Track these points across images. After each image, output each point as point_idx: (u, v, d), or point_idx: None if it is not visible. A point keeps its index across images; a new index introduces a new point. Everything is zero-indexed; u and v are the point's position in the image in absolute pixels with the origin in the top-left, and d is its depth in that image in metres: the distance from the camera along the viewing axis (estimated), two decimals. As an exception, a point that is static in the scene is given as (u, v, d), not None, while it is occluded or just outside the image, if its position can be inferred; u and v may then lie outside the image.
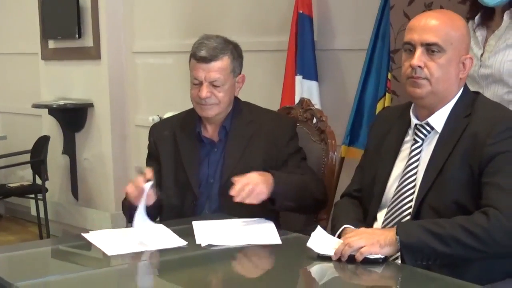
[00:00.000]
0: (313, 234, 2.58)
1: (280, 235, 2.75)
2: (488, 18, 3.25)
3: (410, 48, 2.60)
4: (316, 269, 2.52)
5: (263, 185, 2.89)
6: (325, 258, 2.46)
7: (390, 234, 2.41)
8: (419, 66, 2.55)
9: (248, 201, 2.84)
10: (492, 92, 3.19)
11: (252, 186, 2.84)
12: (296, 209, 3.14)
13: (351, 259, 2.41)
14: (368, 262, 2.40)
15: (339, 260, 2.42)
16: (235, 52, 3.19)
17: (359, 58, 4.52)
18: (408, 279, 2.41)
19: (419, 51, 2.56)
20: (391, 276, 2.47)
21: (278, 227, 2.91)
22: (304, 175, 3.13)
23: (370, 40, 4.37)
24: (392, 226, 2.57)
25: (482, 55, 3.23)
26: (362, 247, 2.40)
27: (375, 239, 2.41)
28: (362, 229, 2.58)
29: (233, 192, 2.82)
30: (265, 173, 2.95)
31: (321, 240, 2.56)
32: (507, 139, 2.46)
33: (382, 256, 2.41)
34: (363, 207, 2.82)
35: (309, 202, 3.12)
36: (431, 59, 2.55)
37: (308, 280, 2.55)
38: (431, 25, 2.56)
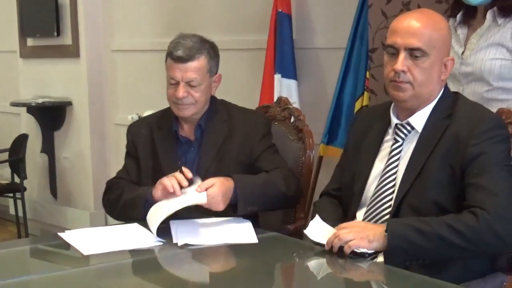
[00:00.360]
0: (311, 222, 2.64)
1: (257, 234, 2.75)
2: (470, 16, 3.27)
3: (393, 52, 2.58)
4: (293, 268, 2.54)
5: (219, 198, 2.85)
6: (304, 256, 2.47)
7: (380, 230, 2.42)
8: (403, 71, 2.54)
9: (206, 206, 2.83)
10: (472, 90, 3.21)
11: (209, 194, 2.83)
12: (262, 211, 3.11)
13: (341, 250, 2.44)
14: (356, 255, 2.43)
15: (330, 250, 2.46)
16: (212, 51, 3.18)
17: (337, 56, 4.54)
18: (387, 278, 2.43)
19: (402, 55, 2.55)
20: (371, 275, 2.47)
21: (257, 226, 2.91)
22: (272, 172, 3.09)
23: (348, 38, 4.39)
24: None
25: (463, 53, 3.25)
26: (351, 241, 2.42)
27: (364, 234, 2.43)
28: (355, 221, 2.61)
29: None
30: (228, 179, 2.92)
31: (317, 229, 2.60)
32: (490, 139, 2.46)
33: (370, 251, 2.43)
34: (342, 206, 2.82)
35: (276, 201, 3.08)
36: (415, 64, 2.54)
37: (285, 278, 2.56)
38: (414, 28, 2.55)
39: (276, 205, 3.14)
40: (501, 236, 2.35)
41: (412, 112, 2.62)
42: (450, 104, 2.61)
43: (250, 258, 2.66)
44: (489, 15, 3.17)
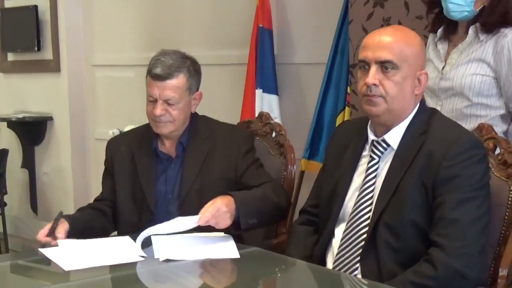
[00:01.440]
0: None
1: (238, 249, 2.74)
2: (451, 31, 3.28)
3: (365, 66, 2.57)
4: (275, 283, 2.53)
5: (224, 209, 2.83)
6: (286, 271, 2.46)
7: None
8: (374, 84, 2.53)
9: (212, 224, 2.81)
10: (451, 105, 3.22)
11: (215, 208, 2.81)
12: (261, 224, 3.10)
13: None
14: None
15: None
16: (192, 69, 3.16)
17: (318, 72, 4.56)
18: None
19: (373, 69, 2.53)
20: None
21: (239, 241, 2.90)
22: (263, 186, 3.10)
23: (329, 54, 4.41)
24: (350, 243, 2.58)
25: (443, 68, 3.26)
26: None
27: None
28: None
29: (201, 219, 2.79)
30: (227, 197, 2.90)
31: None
32: (465, 161, 2.44)
33: None
34: (320, 222, 2.79)
35: (272, 213, 3.09)
36: (386, 77, 2.53)
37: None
38: (385, 42, 2.54)
39: (273, 218, 3.15)
40: (463, 273, 2.36)
41: (388, 128, 2.60)
42: (426, 120, 2.58)
43: (232, 273, 2.66)
44: (471, 30, 3.18)
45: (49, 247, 2.79)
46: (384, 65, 2.52)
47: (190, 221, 2.76)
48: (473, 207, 2.41)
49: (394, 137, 2.59)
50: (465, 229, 2.39)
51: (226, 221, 2.83)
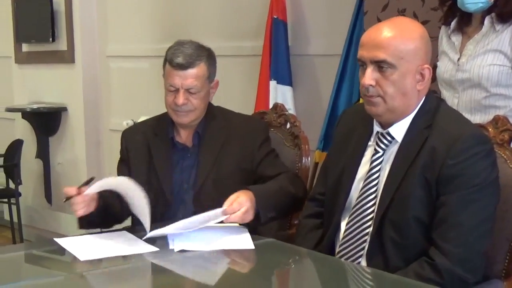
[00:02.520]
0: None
1: (253, 240, 2.74)
2: (464, 23, 3.25)
3: (363, 65, 2.52)
4: (289, 274, 2.53)
5: (248, 204, 2.81)
6: (301, 261, 2.46)
7: None
8: (371, 85, 2.49)
9: (233, 220, 2.79)
10: (469, 97, 3.19)
11: (245, 208, 2.80)
12: (279, 217, 3.10)
13: None
14: None
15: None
16: (210, 58, 3.17)
17: (333, 63, 4.54)
18: (386, 285, 2.42)
19: (369, 69, 2.48)
20: (369, 281, 2.48)
21: (254, 232, 2.90)
22: (280, 178, 3.10)
23: (344, 45, 4.40)
24: (353, 237, 2.58)
25: (459, 59, 3.24)
26: None
27: None
28: None
29: (226, 209, 2.77)
30: (247, 192, 2.88)
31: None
32: (467, 159, 2.39)
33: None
34: (326, 211, 2.78)
35: (290, 205, 3.09)
36: (383, 76, 2.47)
37: (281, 284, 2.56)
38: (379, 40, 2.47)
39: (291, 209, 3.14)
40: (465, 279, 2.35)
41: (392, 122, 2.56)
42: (432, 113, 2.53)
43: (247, 264, 2.67)
44: (487, 21, 3.16)
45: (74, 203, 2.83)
46: (380, 65, 2.47)
47: (214, 216, 2.75)
48: (477, 209, 2.38)
49: (399, 130, 2.55)
50: (468, 234, 2.37)
51: (250, 217, 2.82)
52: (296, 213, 3.25)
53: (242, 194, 2.83)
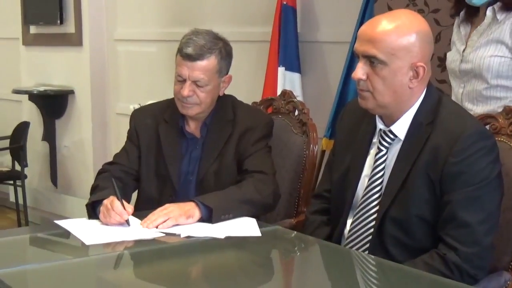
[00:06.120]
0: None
1: (259, 227, 2.74)
2: (472, 14, 3.25)
3: (358, 57, 2.49)
4: (294, 261, 2.53)
5: (177, 210, 2.75)
6: (306, 249, 2.46)
7: None
8: (361, 79, 2.46)
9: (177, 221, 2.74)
10: (472, 87, 3.19)
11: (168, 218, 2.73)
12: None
13: None
14: None
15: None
16: (224, 51, 3.09)
17: (342, 50, 4.53)
18: (388, 272, 2.42)
19: (361, 62, 2.46)
20: (371, 269, 2.47)
21: (260, 219, 2.89)
22: (243, 184, 3.00)
23: (353, 33, 4.37)
24: (358, 236, 2.57)
25: (464, 50, 3.23)
26: None
27: None
28: None
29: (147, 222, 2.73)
30: (188, 203, 2.81)
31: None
32: (470, 156, 2.36)
33: None
34: (333, 209, 2.77)
35: (251, 209, 2.93)
36: (374, 71, 2.44)
37: (286, 271, 2.56)
38: (372, 35, 2.42)
39: (252, 213, 2.94)
40: (474, 275, 2.36)
41: (393, 119, 2.53)
42: (433, 108, 2.49)
43: (253, 250, 2.66)
44: (489, 11, 3.15)
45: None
46: (371, 60, 2.43)
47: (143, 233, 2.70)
48: (483, 205, 2.37)
49: (401, 127, 2.52)
50: (476, 231, 2.35)
51: (188, 213, 2.76)
52: (302, 201, 3.24)
53: (173, 204, 2.80)
